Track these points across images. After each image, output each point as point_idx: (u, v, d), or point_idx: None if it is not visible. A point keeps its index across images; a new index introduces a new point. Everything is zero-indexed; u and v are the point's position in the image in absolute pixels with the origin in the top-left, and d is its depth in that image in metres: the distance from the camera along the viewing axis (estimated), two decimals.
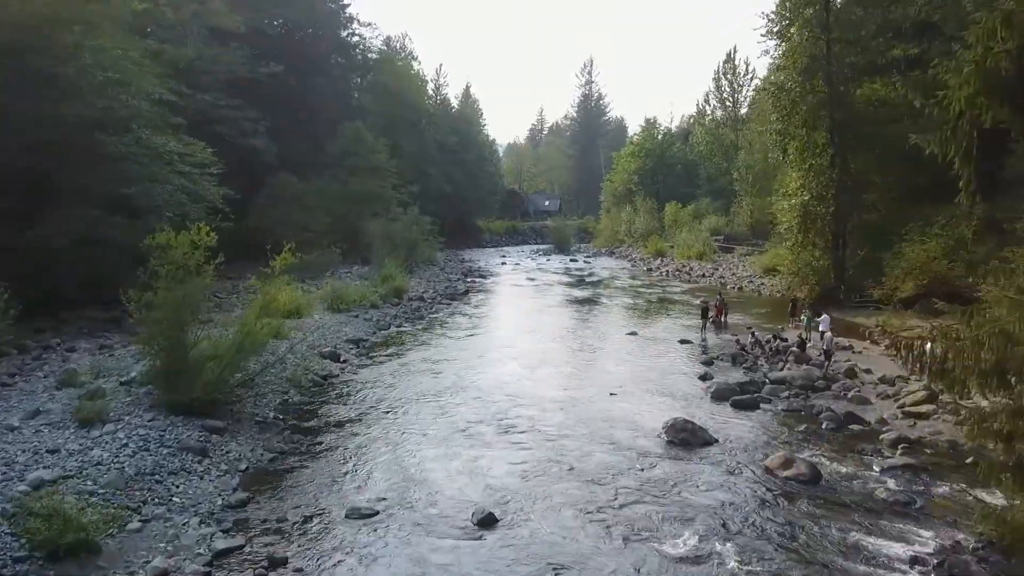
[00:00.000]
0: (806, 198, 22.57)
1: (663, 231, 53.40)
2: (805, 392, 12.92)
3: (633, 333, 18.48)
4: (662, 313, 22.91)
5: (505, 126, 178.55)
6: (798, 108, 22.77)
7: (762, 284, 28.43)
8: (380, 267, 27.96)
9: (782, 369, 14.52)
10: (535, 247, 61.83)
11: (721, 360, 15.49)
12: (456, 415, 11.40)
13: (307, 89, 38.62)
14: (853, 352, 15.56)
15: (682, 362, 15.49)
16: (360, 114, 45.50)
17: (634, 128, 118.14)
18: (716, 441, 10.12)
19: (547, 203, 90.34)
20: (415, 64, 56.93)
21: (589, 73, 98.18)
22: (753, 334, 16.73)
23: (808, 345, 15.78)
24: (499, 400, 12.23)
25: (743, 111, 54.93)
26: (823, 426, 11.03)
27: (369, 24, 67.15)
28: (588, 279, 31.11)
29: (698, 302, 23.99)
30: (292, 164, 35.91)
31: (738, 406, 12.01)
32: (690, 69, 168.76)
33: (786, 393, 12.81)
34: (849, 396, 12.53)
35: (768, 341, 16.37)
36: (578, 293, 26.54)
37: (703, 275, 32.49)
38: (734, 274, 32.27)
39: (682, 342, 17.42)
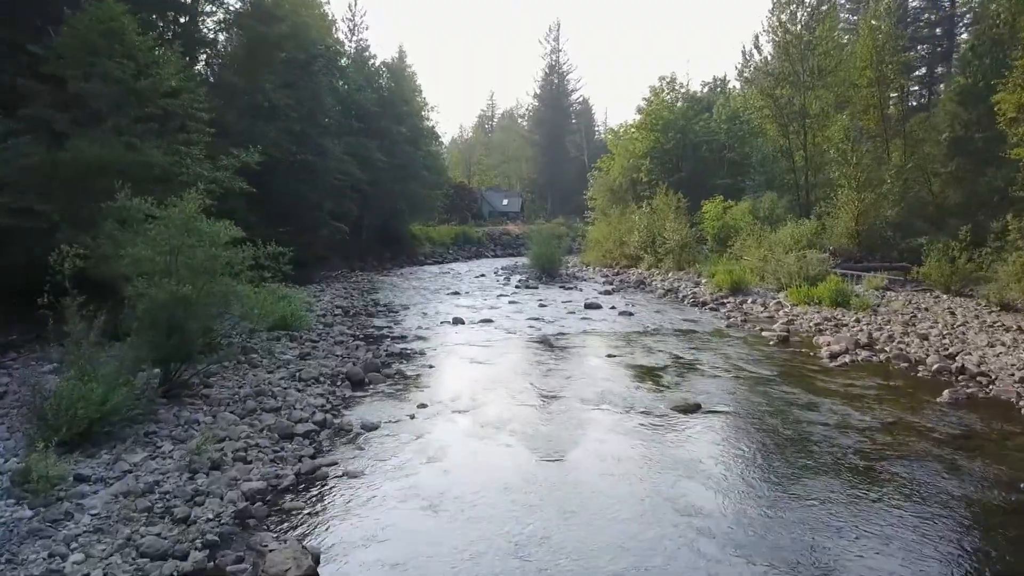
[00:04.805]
0: None
1: (707, 244, 34.17)
2: None
3: None
4: None
5: (447, 116, 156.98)
6: None
7: None
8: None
9: None
10: (496, 263, 41.71)
11: None
12: None
13: None
14: None
15: None
16: (192, 39, 25.10)
17: (601, 113, 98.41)
18: None
19: (505, 202, 70.43)
20: None
21: (556, 40, 78.85)
22: None
23: None
24: None
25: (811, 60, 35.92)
26: None
27: None
28: (711, 402, 10.60)
29: None
30: None
31: None
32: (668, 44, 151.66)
33: None
34: None
35: None
36: None
37: (970, 372, 12.69)
38: None
39: None
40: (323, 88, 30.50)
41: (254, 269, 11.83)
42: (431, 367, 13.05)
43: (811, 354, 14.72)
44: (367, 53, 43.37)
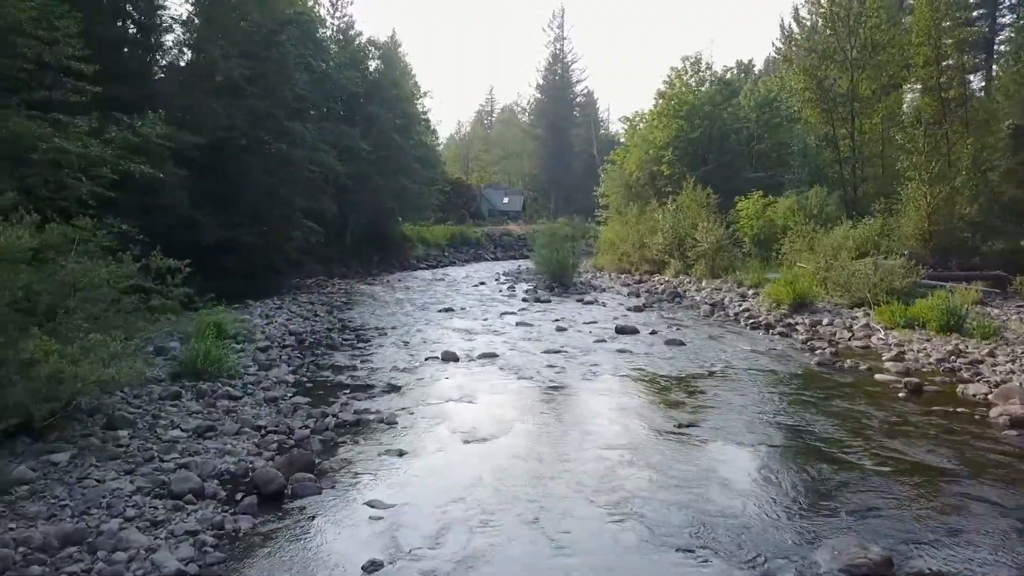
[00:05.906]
0: None
1: (744, 247, 29.37)
2: None
3: None
4: None
5: (444, 112, 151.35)
6: None
7: None
8: None
9: None
10: (497, 267, 36.97)
11: None
12: None
13: None
14: None
15: None
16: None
17: (603, 110, 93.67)
18: None
19: (506, 200, 65.63)
20: None
21: (560, 27, 74.15)
22: None
23: None
24: None
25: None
26: None
27: None
28: (900, 547, 5.59)
29: None
30: None
31: None
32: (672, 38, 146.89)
33: None
34: None
35: None
36: None
37: None
38: None
39: None
40: (292, 61, 25.59)
41: (134, 292, 7.09)
42: (400, 454, 8.10)
43: (975, 417, 9.85)
44: (352, 31, 38.50)
